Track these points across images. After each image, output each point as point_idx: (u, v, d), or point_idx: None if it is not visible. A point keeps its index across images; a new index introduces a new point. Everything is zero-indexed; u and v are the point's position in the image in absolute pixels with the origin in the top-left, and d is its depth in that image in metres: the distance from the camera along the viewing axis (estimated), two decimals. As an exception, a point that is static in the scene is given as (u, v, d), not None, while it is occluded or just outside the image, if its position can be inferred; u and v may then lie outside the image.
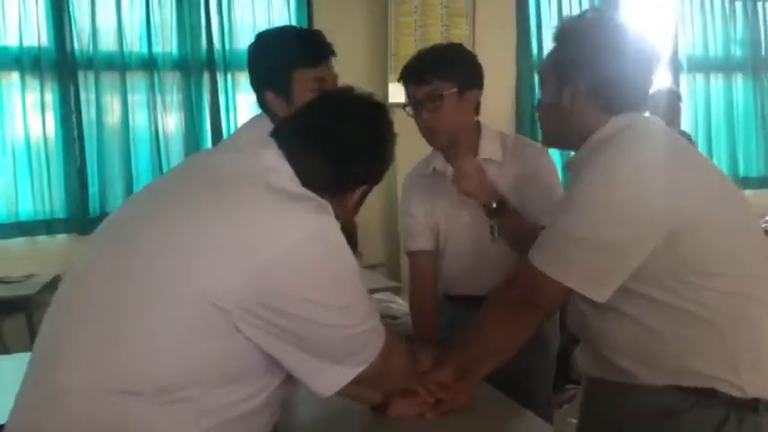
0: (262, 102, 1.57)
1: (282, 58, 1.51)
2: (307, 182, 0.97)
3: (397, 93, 3.64)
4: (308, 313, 0.90)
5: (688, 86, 4.56)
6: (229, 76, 3.69)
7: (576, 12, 4.33)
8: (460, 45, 1.73)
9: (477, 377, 1.33)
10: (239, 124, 3.66)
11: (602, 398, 1.30)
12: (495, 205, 1.60)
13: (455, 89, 1.62)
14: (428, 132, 1.67)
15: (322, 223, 0.92)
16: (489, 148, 1.72)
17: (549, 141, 1.40)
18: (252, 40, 3.73)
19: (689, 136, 4.04)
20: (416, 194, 1.80)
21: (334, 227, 0.94)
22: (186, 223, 0.90)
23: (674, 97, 3.87)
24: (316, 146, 1.01)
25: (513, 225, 1.62)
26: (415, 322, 1.80)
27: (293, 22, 3.79)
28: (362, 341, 0.99)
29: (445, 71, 1.61)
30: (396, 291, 2.83)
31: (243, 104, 3.74)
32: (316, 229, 0.90)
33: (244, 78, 3.72)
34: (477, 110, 1.70)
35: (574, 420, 1.43)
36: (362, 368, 0.99)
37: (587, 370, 1.32)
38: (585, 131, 1.24)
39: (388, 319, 1.92)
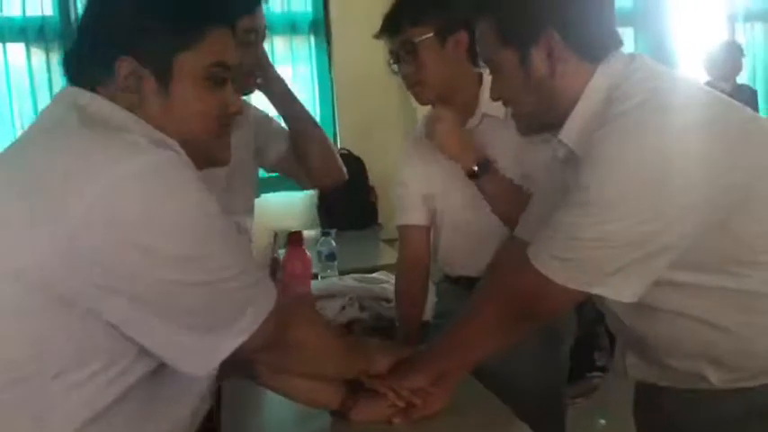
0: None
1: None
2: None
3: None
4: (146, 267, 0.73)
5: (746, 38, 4.14)
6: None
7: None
8: None
9: (453, 382, 1.13)
10: (252, 97, 3.53)
11: (667, 406, 1.08)
12: (476, 168, 1.38)
13: (430, 34, 1.39)
14: (410, 88, 1.46)
15: (154, 157, 0.74)
16: (489, 103, 1.43)
17: (533, 127, 1.08)
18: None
19: (753, 90, 3.65)
20: (411, 160, 1.58)
21: (174, 161, 0.76)
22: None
23: (736, 50, 3.50)
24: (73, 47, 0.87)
25: (499, 191, 1.40)
26: (400, 308, 1.59)
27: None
28: (236, 302, 0.81)
29: (418, 14, 1.39)
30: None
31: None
32: (147, 163, 0.73)
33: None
34: (472, 56, 1.42)
35: (603, 421, 1.23)
36: (243, 338, 0.81)
37: (639, 375, 1.12)
38: (572, 94, 0.98)
39: (382, 302, 1.73)
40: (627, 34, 4.08)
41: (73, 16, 3.29)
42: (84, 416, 0.73)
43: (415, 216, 1.58)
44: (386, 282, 1.82)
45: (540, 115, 1.02)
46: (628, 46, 3.63)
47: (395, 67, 1.48)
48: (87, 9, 0.88)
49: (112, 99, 0.82)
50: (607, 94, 0.95)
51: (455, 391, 1.14)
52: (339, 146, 3.67)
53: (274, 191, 3.58)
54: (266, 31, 1.43)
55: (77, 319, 0.72)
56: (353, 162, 3.57)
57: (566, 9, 0.96)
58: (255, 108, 1.73)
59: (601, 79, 0.96)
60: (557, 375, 1.52)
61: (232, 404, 1.29)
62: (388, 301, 1.71)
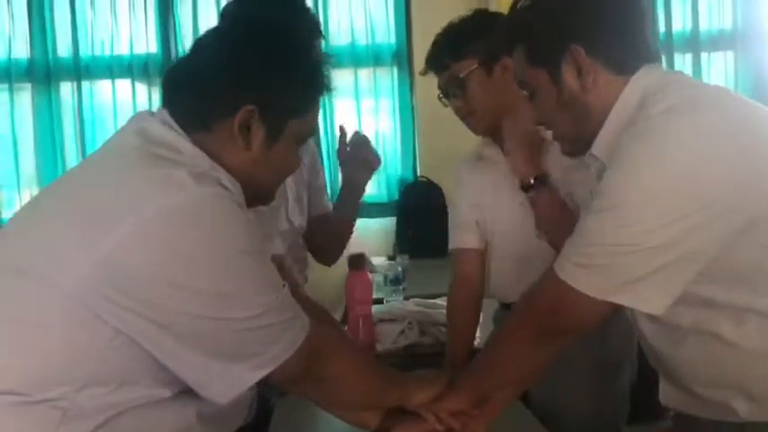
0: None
1: None
2: (184, 125, 0.85)
3: None
4: (176, 301, 0.75)
5: None
6: (325, 74, 3.64)
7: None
8: (480, 11, 1.52)
9: (497, 405, 1.10)
10: (335, 119, 3.65)
11: None
12: (532, 180, 1.37)
13: (475, 66, 1.41)
14: (463, 119, 1.50)
15: (191, 192, 0.76)
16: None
17: (577, 148, 1.05)
18: (349, 35, 3.56)
19: None
20: (463, 184, 1.60)
21: (212, 198, 0.78)
22: (52, 207, 0.82)
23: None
24: (181, 78, 0.89)
25: (550, 209, 1.37)
26: (450, 333, 1.58)
27: (390, 13, 3.68)
28: (264, 337, 0.82)
29: (460, 49, 1.42)
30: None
31: (341, 98, 3.67)
32: (182, 199, 0.75)
33: (339, 74, 3.66)
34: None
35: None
36: (269, 369, 0.82)
37: (671, 404, 1.06)
38: (604, 107, 0.96)
39: (442, 327, 1.71)
40: (727, 58, 3.88)
41: (173, 53, 3.55)
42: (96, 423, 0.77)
43: (467, 238, 1.57)
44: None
45: (579, 133, 1.00)
46: (728, 70, 3.44)
47: (445, 101, 1.51)
48: (222, 49, 0.89)
49: (206, 139, 0.85)
50: (639, 104, 0.92)
51: (497, 415, 1.11)
52: (419, 173, 3.70)
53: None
54: None
55: (108, 337, 0.75)
56: (432, 190, 3.59)
57: (591, 24, 0.95)
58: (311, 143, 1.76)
59: (633, 90, 0.94)
60: (613, 411, 1.45)
61: (282, 421, 1.32)
62: (444, 325, 1.69)
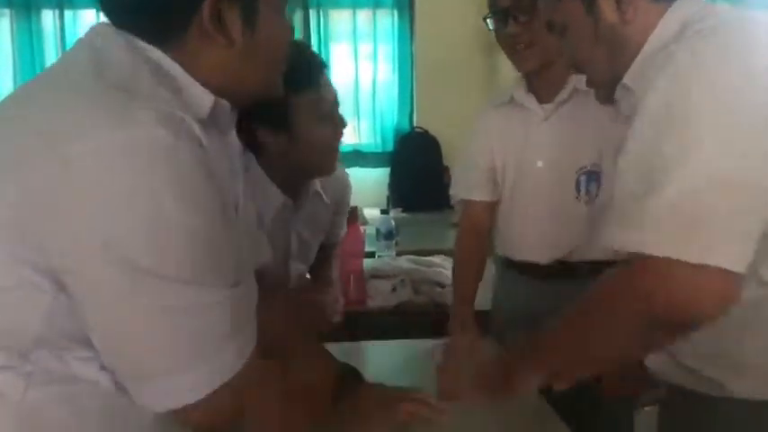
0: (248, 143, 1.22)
1: None
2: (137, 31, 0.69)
3: None
4: (93, 257, 0.60)
5: None
6: (322, 12, 3.49)
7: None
8: None
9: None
10: (332, 72, 3.50)
11: (685, 411, 0.96)
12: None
13: None
14: (515, 51, 1.35)
15: (142, 131, 0.60)
16: (579, 77, 1.32)
17: (610, 92, 0.92)
18: None
19: None
20: (484, 129, 1.47)
21: (155, 143, 0.61)
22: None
23: None
24: None
25: None
26: (457, 279, 1.49)
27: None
28: (206, 337, 0.65)
29: None
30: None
31: (336, 42, 3.53)
32: (124, 138, 0.60)
33: (337, 14, 3.52)
34: None
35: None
36: (213, 387, 0.65)
37: (662, 374, 0.98)
38: (642, 38, 0.86)
39: (437, 287, 1.65)
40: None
41: None
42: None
43: (481, 190, 1.47)
44: (442, 266, 1.74)
45: (616, 72, 0.89)
46: None
47: (493, 24, 1.38)
48: None
49: (180, 55, 0.70)
50: (680, 31, 0.82)
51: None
52: (415, 124, 3.59)
53: (347, 166, 3.56)
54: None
55: (51, 296, 0.64)
56: (429, 142, 3.50)
57: None
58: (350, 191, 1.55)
59: (673, 18, 0.84)
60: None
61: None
62: (442, 286, 1.63)
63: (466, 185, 1.49)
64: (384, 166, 3.56)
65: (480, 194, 1.47)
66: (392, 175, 3.52)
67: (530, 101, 1.40)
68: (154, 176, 0.61)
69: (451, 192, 1.54)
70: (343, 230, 1.58)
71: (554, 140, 1.38)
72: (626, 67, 0.88)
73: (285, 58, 0.79)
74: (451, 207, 3.55)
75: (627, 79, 0.88)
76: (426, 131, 3.52)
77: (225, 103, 0.74)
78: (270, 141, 1.16)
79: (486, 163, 1.46)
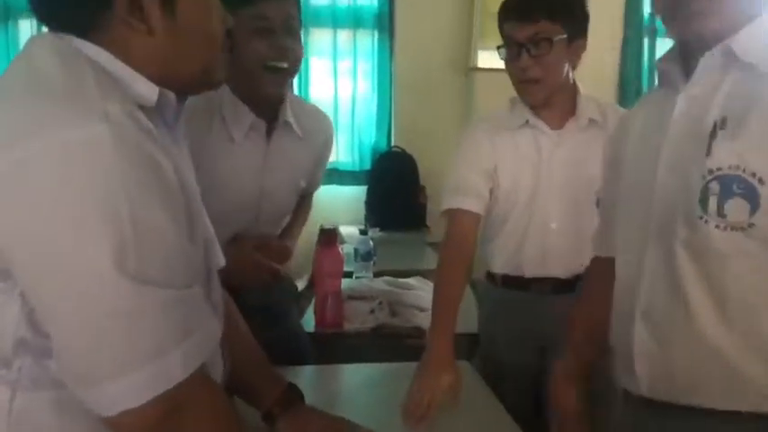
0: None
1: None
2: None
3: (485, 57, 3.42)
4: (33, 259, 0.61)
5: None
6: (303, 34, 3.50)
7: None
8: None
9: None
10: (311, 88, 3.53)
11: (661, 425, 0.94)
12: None
13: (565, 35, 1.37)
14: (526, 83, 1.41)
15: (81, 133, 0.61)
16: (589, 109, 1.47)
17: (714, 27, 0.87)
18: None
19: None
20: (489, 148, 1.48)
21: (93, 143, 0.61)
22: None
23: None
24: None
25: None
26: (440, 306, 1.42)
27: (374, -25, 3.54)
28: (152, 338, 0.64)
29: (557, 11, 1.36)
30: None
31: (315, 61, 3.55)
32: (57, 141, 0.61)
33: (317, 33, 3.54)
34: (575, 66, 1.45)
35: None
36: (156, 392, 0.64)
37: (633, 386, 0.96)
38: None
39: (415, 310, 1.66)
40: None
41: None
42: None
43: (471, 202, 1.46)
44: (420, 289, 1.75)
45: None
46: None
47: (505, 54, 1.43)
48: None
49: (109, 45, 0.71)
50: None
51: None
52: (393, 143, 3.62)
53: (322, 184, 3.56)
54: (297, 24, 1.36)
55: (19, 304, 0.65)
56: (406, 160, 3.52)
57: None
58: (332, 136, 1.67)
59: None
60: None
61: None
62: (421, 309, 1.64)
63: (459, 196, 1.48)
64: (361, 184, 3.57)
65: (475, 206, 1.47)
66: (369, 193, 3.53)
67: (542, 126, 1.46)
68: (93, 176, 0.61)
69: (445, 205, 1.51)
70: (318, 184, 1.71)
71: (569, 164, 1.45)
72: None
73: (217, 43, 0.79)
74: (427, 226, 3.61)
75: (739, 49, 0.84)
76: (404, 150, 3.55)
77: (170, 93, 0.75)
78: None
79: (486, 180, 1.48)
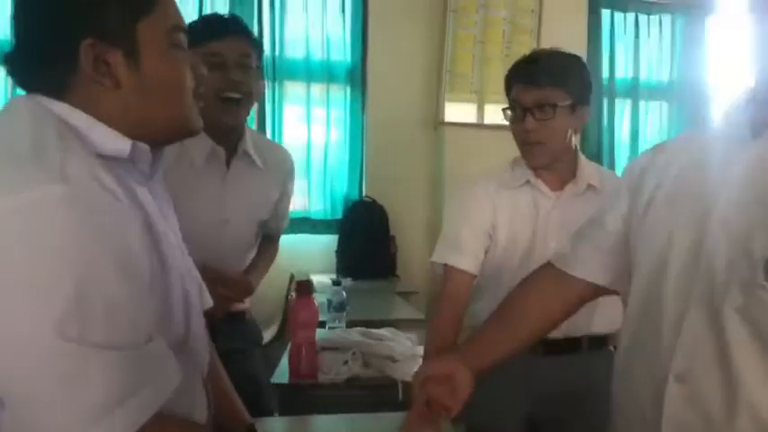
0: None
1: None
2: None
3: (450, 107, 3.56)
4: None
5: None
6: (277, 85, 3.61)
7: (653, 31, 4.01)
8: (576, 56, 1.53)
9: None
10: (284, 134, 3.62)
11: None
12: None
13: (569, 101, 1.43)
14: (530, 145, 1.47)
15: (19, 198, 0.63)
16: (589, 173, 1.53)
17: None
18: (304, 48, 3.69)
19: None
20: (489, 206, 1.52)
21: (43, 203, 0.63)
22: None
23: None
24: (13, 56, 0.77)
25: None
26: (431, 350, 1.49)
27: (348, 34, 3.69)
28: (90, 403, 0.64)
29: (562, 79, 1.43)
30: (422, 325, 2.59)
31: (290, 113, 3.64)
32: (14, 202, 0.63)
33: (291, 87, 3.64)
34: (578, 131, 1.52)
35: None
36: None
37: None
38: None
39: (387, 360, 1.70)
40: (662, 108, 4.10)
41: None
42: None
43: (467, 261, 1.51)
44: (393, 340, 1.80)
45: None
46: (663, 118, 3.65)
47: (511, 116, 1.50)
48: (19, 7, 0.77)
49: (80, 103, 0.74)
50: None
51: None
52: (365, 193, 3.70)
53: (294, 232, 3.61)
54: (251, 62, 1.51)
55: None
56: (377, 210, 3.60)
57: None
58: (293, 169, 1.80)
59: None
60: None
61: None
62: (393, 360, 1.68)
63: (457, 253, 1.52)
64: (333, 233, 3.63)
65: (472, 267, 1.51)
66: (340, 242, 3.58)
67: (542, 186, 1.52)
68: (42, 237, 0.63)
69: (437, 258, 1.55)
70: (285, 221, 1.83)
71: (564, 226, 1.46)
72: None
73: (186, 92, 0.82)
74: (397, 276, 3.65)
75: None
76: (374, 200, 3.63)
77: (143, 146, 0.78)
78: None
79: (484, 241, 1.52)
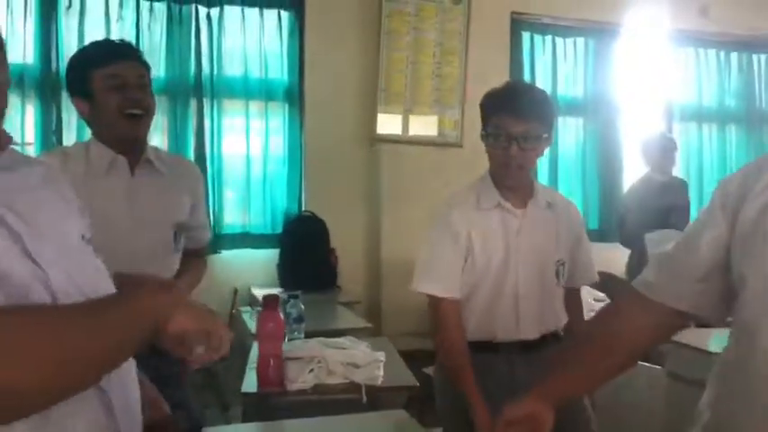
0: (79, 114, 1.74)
1: (80, 63, 1.68)
2: None
3: (385, 124, 3.73)
4: None
5: (680, 135, 4.52)
6: (216, 102, 3.66)
7: (569, 52, 4.34)
8: (544, 90, 1.78)
9: None
10: (224, 150, 3.67)
11: None
12: None
13: (547, 133, 1.66)
14: (512, 168, 1.64)
15: None
16: (543, 191, 1.77)
17: None
18: (242, 66, 3.79)
19: (684, 182, 3.98)
20: (464, 231, 1.67)
21: None
22: None
23: (668, 142, 3.83)
24: None
25: None
26: (460, 375, 1.63)
27: (284, 50, 3.79)
28: None
29: (544, 115, 1.65)
30: (368, 332, 2.73)
31: (229, 129, 3.71)
32: None
33: (230, 104, 3.71)
34: (540, 155, 1.73)
35: None
36: None
37: None
38: None
39: (350, 366, 1.83)
40: (578, 123, 4.43)
41: (54, 66, 3.38)
42: None
43: (452, 289, 1.66)
44: (353, 348, 1.92)
45: None
46: (578, 133, 3.97)
47: (492, 141, 1.66)
48: None
49: None
50: None
51: None
52: (304, 207, 3.80)
53: (236, 248, 3.67)
54: (146, 81, 1.70)
55: None
56: (316, 223, 3.71)
57: None
58: (200, 177, 1.96)
59: None
60: None
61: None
62: (356, 366, 1.81)
63: (442, 283, 1.67)
64: (273, 246, 3.71)
65: (458, 294, 1.67)
66: (281, 255, 3.66)
67: (509, 207, 1.70)
68: None
69: (420, 287, 1.69)
70: (207, 233, 1.97)
71: (533, 238, 1.69)
72: None
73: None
74: (338, 286, 3.77)
75: None
76: (314, 214, 3.74)
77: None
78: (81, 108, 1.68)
79: (461, 264, 1.67)
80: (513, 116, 1.61)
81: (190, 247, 1.86)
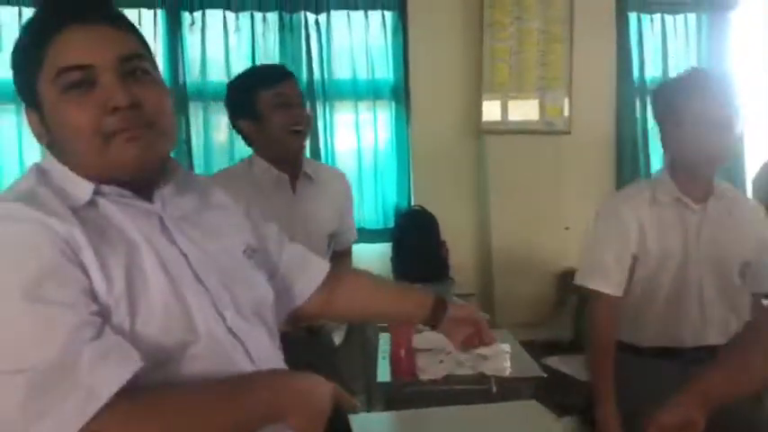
0: (240, 134, 1.84)
1: (246, 85, 1.79)
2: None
3: (488, 112, 3.75)
4: None
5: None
6: (327, 105, 3.82)
7: (680, 30, 4.16)
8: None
9: None
10: (336, 150, 3.83)
11: None
12: None
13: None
14: (717, 158, 1.60)
15: None
16: (725, 188, 1.70)
17: None
18: (350, 68, 3.93)
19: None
20: (636, 226, 1.61)
21: None
22: None
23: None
24: None
25: None
26: (600, 373, 1.60)
27: (389, 50, 3.88)
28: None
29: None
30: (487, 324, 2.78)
31: (340, 130, 3.86)
32: None
33: (341, 105, 3.86)
34: None
35: None
36: None
37: None
38: None
39: (479, 358, 1.90)
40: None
41: (181, 79, 3.66)
42: None
43: (612, 285, 1.61)
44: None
45: None
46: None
47: (693, 130, 1.58)
48: None
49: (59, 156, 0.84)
50: None
51: None
52: (414, 202, 3.91)
53: (353, 243, 3.82)
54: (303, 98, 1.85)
55: None
56: (427, 218, 3.81)
57: None
58: (349, 186, 2.06)
59: None
60: None
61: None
62: (485, 357, 1.88)
63: (604, 278, 1.62)
64: (386, 240, 3.84)
65: (618, 290, 1.62)
66: (394, 249, 3.79)
67: (689, 201, 1.61)
68: None
69: (582, 281, 1.66)
70: (354, 233, 2.08)
71: (714, 236, 1.60)
72: None
73: (86, 136, 0.80)
74: (451, 278, 3.84)
75: None
76: (424, 208, 3.83)
77: (105, 187, 0.82)
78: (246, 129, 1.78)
79: (629, 261, 1.61)
80: (719, 102, 1.55)
81: (337, 249, 1.97)
